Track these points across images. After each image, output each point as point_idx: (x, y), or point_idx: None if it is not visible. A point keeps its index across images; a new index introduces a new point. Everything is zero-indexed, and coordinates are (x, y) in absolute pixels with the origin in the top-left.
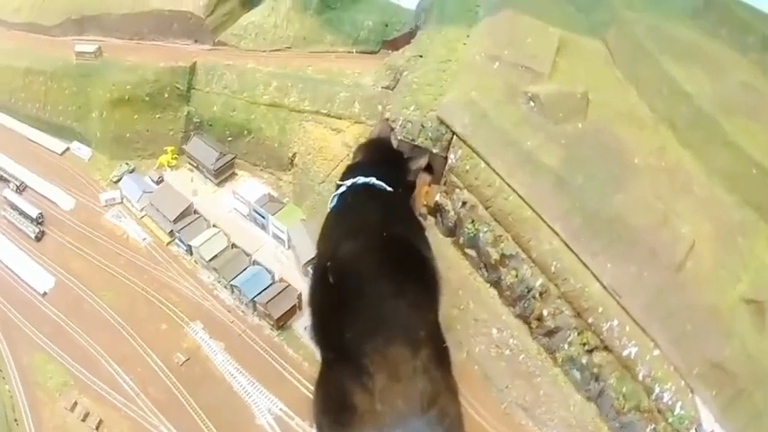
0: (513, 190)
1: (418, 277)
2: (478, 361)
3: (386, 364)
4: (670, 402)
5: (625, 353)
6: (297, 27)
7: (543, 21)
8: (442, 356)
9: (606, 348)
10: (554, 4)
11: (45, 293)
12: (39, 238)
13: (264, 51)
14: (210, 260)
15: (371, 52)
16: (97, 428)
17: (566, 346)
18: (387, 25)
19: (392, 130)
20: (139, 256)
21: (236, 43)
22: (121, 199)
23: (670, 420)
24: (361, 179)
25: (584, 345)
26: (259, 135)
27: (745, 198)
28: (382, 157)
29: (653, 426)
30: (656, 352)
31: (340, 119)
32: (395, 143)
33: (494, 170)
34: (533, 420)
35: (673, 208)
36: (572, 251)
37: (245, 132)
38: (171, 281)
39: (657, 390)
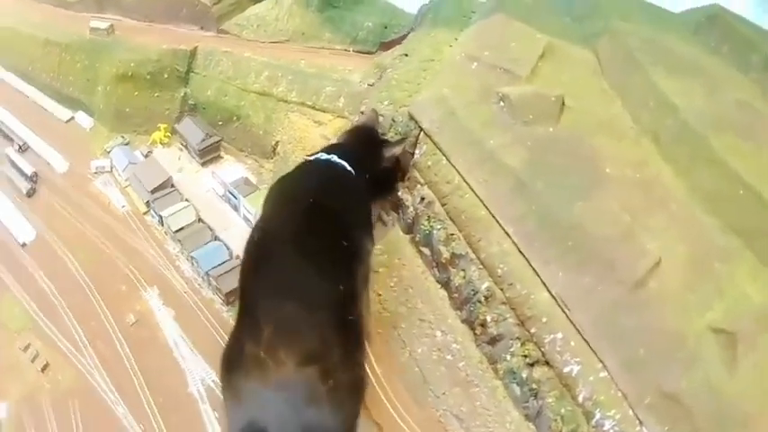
0: (471, 188)
1: (336, 248)
2: (419, 363)
3: (277, 318)
4: (611, 431)
5: (566, 369)
6: (297, 22)
7: (534, 27)
8: (345, 325)
9: (547, 363)
10: (549, 13)
11: (25, 244)
12: (30, 195)
13: (263, 42)
14: (176, 231)
15: (368, 53)
16: (42, 370)
17: (507, 357)
18: (386, 27)
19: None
20: (116, 222)
21: (237, 32)
22: (111, 168)
23: None
24: (323, 155)
25: (526, 357)
26: (246, 122)
27: (729, 222)
28: (357, 141)
29: None
30: (603, 374)
31: (324, 112)
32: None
33: (454, 167)
34: None
35: (642, 222)
36: (523, 256)
37: (234, 118)
38: (139, 247)
39: (598, 416)
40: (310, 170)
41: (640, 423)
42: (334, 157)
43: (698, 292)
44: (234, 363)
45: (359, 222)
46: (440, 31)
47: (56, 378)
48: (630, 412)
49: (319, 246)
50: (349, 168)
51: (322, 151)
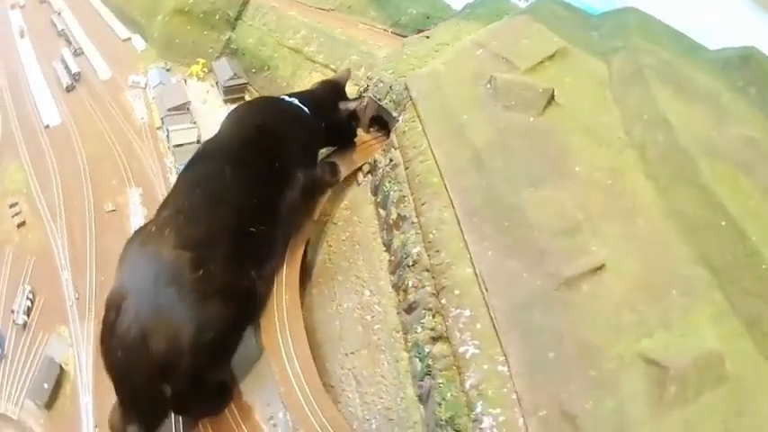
0: (433, 155)
1: (266, 168)
2: (341, 318)
3: (180, 205)
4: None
5: (461, 349)
6: None
7: (554, 32)
8: (244, 233)
9: (448, 341)
10: (578, 26)
11: (48, 126)
12: (68, 90)
13: (310, 6)
14: (175, 145)
15: (405, 36)
16: (18, 227)
17: (418, 329)
18: (428, 17)
19: (365, 88)
20: (131, 129)
21: None
22: (144, 85)
23: None
24: (285, 96)
25: (432, 330)
26: (275, 73)
27: (704, 253)
28: (322, 92)
29: None
30: (502, 368)
31: None
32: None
33: (425, 134)
34: (359, 398)
35: (596, 226)
36: (459, 227)
37: (266, 68)
38: (141, 153)
39: (479, 408)
40: (269, 102)
41: None
42: (295, 100)
43: (640, 314)
44: (132, 236)
45: (298, 155)
46: (468, 24)
47: (26, 235)
48: (520, 420)
49: (249, 160)
50: (306, 111)
51: (286, 95)
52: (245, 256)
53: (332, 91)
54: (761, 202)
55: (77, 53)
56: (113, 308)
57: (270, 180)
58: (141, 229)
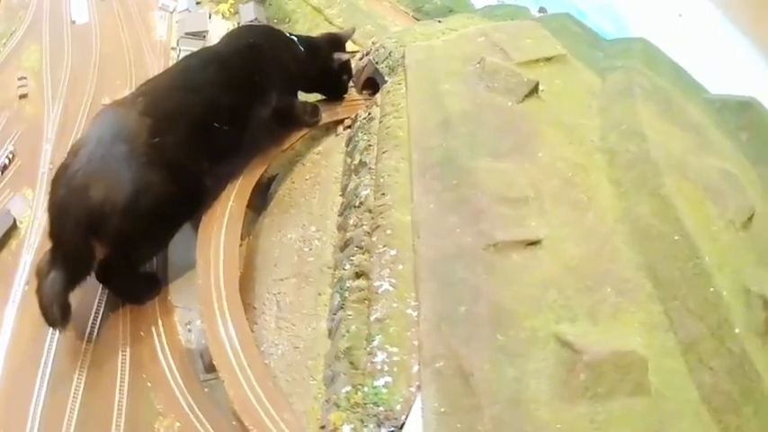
0: (407, 113)
1: (245, 78)
2: (281, 247)
3: (159, 82)
4: (380, 367)
5: (377, 284)
6: None
7: (559, 41)
8: (206, 125)
9: (367, 276)
10: (586, 43)
11: (74, 22)
12: None
13: None
14: None
15: None
16: (20, 98)
17: (346, 266)
18: (451, 11)
19: (368, 52)
20: (148, 43)
21: None
22: (173, 9)
23: (367, 390)
24: (287, 32)
25: (358, 266)
26: (293, 27)
27: (649, 263)
28: (322, 40)
29: (350, 387)
30: (412, 312)
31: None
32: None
33: (406, 95)
34: (275, 322)
35: (543, 206)
36: (410, 178)
37: (287, 20)
38: (150, 67)
39: (376, 342)
40: (269, 29)
41: (418, 387)
42: (295, 38)
43: (567, 297)
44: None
45: (279, 80)
46: (481, 20)
47: (25, 106)
48: (415, 367)
49: (233, 67)
50: (301, 49)
51: (290, 33)
52: (201, 146)
53: (331, 42)
54: (722, 230)
55: None
56: (71, 153)
57: (246, 90)
58: (122, 98)
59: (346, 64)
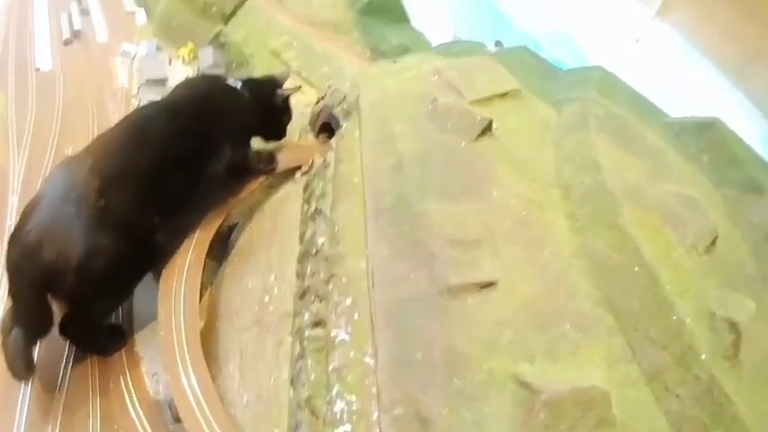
0: (361, 158)
1: (195, 132)
2: (242, 296)
3: (111, 137)
4: (339, 416)
5: (334, 333)
6: (336, 13)
7: (514, 76)
8: (158, 181)
9: (324, 325)
10: (542, 76)
11: (38, 69)
12: (66, 43)
13: (301, 17)
14: None
15: None
16: None
17: (306, 315)
18: (407, 50)
19: (323, 96)
20: (109, 91)
21: (286, 2)
22: (133, 56)
23: None
24: (230, 79)
25: (316, 315)
26: (252, 70)
27: (608, 296)
28: (261, 81)
29: None
30: (369, 360)
31: (311, 86)
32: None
33: (360, 140)
34: (239, 372)
35: (496, 246)
36: (365, 224)
37: (245, 64)
38: (112, 114)
39: (335, 391)
40: (214, 79)
41: (380, 429)
42: (239, 83)
43: (524, 338)
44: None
45: (231, 131)
46: (436, 58)
47: None
48: (375, 414)
49: (182, 117)
50: (246, 94)
51: (230, 77)
52: (151, 202)
53: (271, 82)
54: (683, 256)
55: (84, 12)
56: (27, 211)
57: (197, 143)
58: (75, 154)
59: (287, 103)
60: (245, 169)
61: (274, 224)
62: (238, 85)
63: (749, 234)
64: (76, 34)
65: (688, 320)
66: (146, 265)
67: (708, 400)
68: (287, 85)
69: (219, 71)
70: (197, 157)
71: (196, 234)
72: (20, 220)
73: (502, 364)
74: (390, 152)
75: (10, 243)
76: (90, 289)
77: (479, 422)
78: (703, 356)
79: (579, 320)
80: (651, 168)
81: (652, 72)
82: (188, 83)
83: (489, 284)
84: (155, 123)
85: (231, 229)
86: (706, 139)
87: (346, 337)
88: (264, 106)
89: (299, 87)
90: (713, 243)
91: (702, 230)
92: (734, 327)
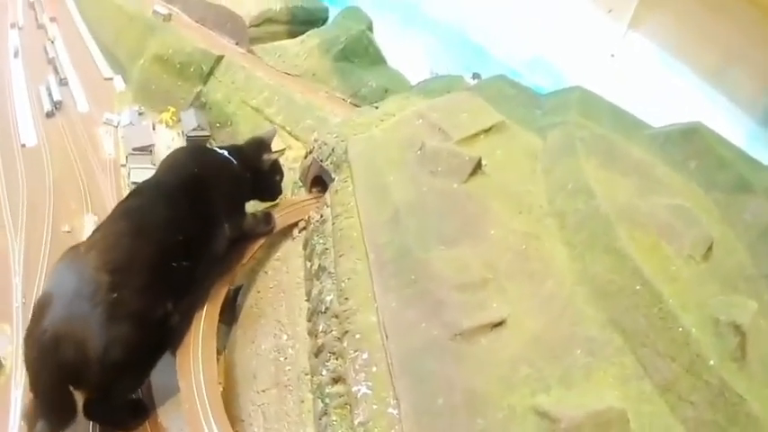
0: (357, 212)
1: (193, 209)
2: (258, 358)
3: (109, 230)
4: None
5: (355, 389)
6: (312, 63)
7: (496, 108)
8: (165, 267)
9: (344, 381)
10: (521, 104)
11: (24, 145)
12: (48, 116)
13: (278, 70)
14: (133, 183)
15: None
16: None
17: (323, 372)
18: (386, 91)
19: (311, 150)
20: (97, 162)
21: (261, 56)
22: (117, 124)
23: None
24: (216, 147)
25: (334, 372)
26: (236, 129)
27: (614, 317)
28: (248, 146)
29: None
30: (393, 411)
31: (297, 140)
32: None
33: (354, 193)
34: None
35: (501, 285)
36: (370, 278)
37: (229, 123)
38: (103, 186)
39: None
40: (201, 151)
41: None
42: (225, 152)
43: (538, 370)
44: (65, 252)
45: (226, 203)
46: (417, 98)
47: None
48: None
49: (179, 201)
50: (234, 162)
51: (217, 146)
52: (162, 288)
53: (258, 145)
54: (682, 267)
55: (62, 83)
56: (37, 311)
57: (196, 223)
58: (74, 247)
59: (276, 164)
60: (245, 233)
61: (279, 283)
62: (226, 153)
63: (744, 234)
64: (57, 105)
65: (693, 330)
66: (163, 346)
67: (721, 402)
68: (275, 141)
69: (204, 133)
70: (199, 239)
71: (206, 306)
72: (33, 318)
73: (520, 398)
74: (385, 203)
75: (27, 342)
76: (111, 378)
77: None
78: (712, 362)
79: (588, 345)
80: (640, 184)
81: (631, 84)
82: (176, 160)
83: (500, 323)
84: (153, 214)
85: (237, 291)
86: (691, 146)
87: (368, 391)
88: (254, 171)
89: (284, 150)
90: (710, 249)
91: (698, 239)
92: (738, 329)
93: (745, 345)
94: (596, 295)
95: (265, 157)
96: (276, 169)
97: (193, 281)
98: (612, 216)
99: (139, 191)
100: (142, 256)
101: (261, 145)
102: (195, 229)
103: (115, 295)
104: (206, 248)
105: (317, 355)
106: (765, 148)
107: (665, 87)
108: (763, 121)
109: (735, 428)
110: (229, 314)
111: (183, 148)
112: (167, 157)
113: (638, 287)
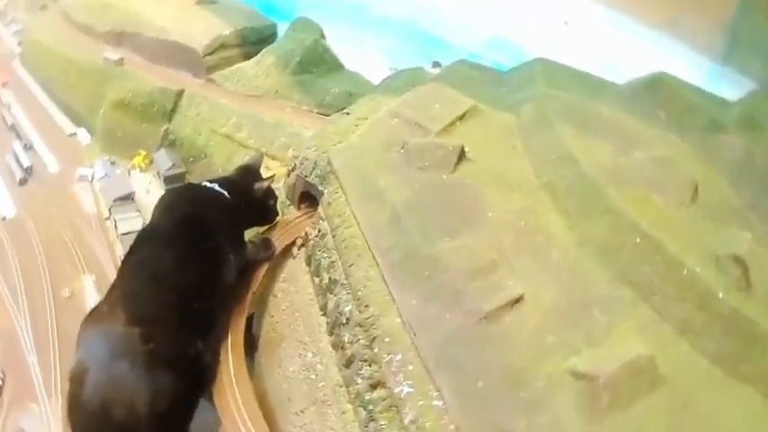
0: (356, 220)
1: (200, 249)
2: (288, 381)
3: (128, 286)
4: None
5: (397, 390)
6: (273, 81)
7: (464, 93)
8: (187, 308)
9: (384, 385)
10: (487, 84)
11: (4, 218)
12: (21, 183)
13: (240, 94)
14: (123, 234)
15: (329, 115)
16: None
17: (358, 380)
18: (351, 95)
19: (293, 167)
20: (81, 219)
21: (221, 83)
22: (91, 177)
23: None
24: (206, 182)
25: (370, 378)
26: (211, 160)
27: (621, 272)
28: (237, 175)
29: None
30: (438, 402)
31: (274, 159)
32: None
33: (348, 203)
34: None
35: (510, 263)
36: (384, 282)
37: (202, 155)
38: (92, 242)
39: None
40: (192, 189)
41: None
42: (216, 186)
43: (563, 335)
44: (87, 316)
45: (226, 236)
46: (385, 97)
47: None
48: None
49: (184, 244)
50: (226, 194)
51: (207, 180)
52: (190, 330)
53: (246, 173)
54: (674, 213)
55: (28, 147)
56: (76, 382)
57: (204, 260)
58: (95, 309)
59: (269, 190)
60: (249, 264)
61: (291, 304)
62: (217, 187)
63: (724, 170)
64: (28, 171)
65: (698, 269)
66: (203, 386)
67: (736, 330)
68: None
69: (180, 170)
70: (211, 275)
71: (229, 338)
72: (72, 390)
73: (555, 365)
74: (382, 207)
75: (72, 415)
76: (162, 428)
77: (554, 421)
78: (720, 295)
79: (603, 304)
80: (618, 143)
81: (589, 48)
82: (170, 204)
83: (518, 300)
84: (164, 261)
85: (250, 319)
86: (657, 95)
87: (410, 390)
88: (247, 201)
89: (274, 175)
90: (695, 191)
91: (682, 184)
92: (738, 260)
93: (747, 273)
94: (600, 255)
95: (257, 185)
96: (269, 194)
97: (215, 315)
98: (600, 178)
99: (142, 241)
100: (165, 303)
101: (250, 173)
102: (206, 266)
103: (150, 346)
104: (219, 283)
105: (347, 366)
106: (728, 85)
107: (622, 45)
108: (722, 60)
109: (754, 351)
110: (248, 343)
111: (173, 190)
112: (160, 201)
113: (637, 240)
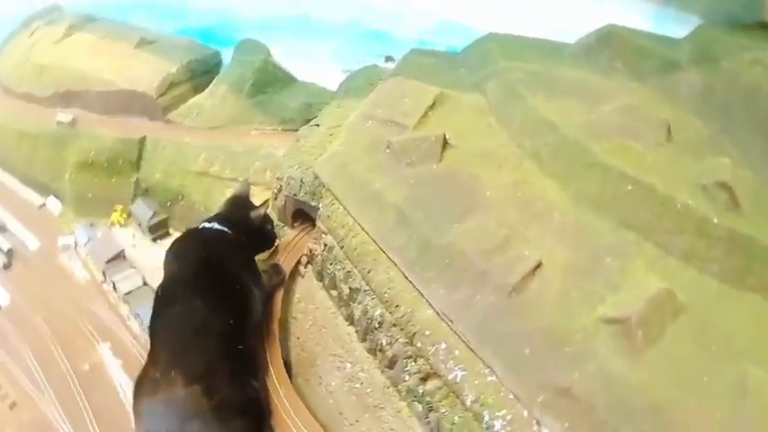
0: (361, 227)
1: (226, 290)
2: (334, 395)
3: (172, 346)
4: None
5: (451, 376)
6: (230, 108)
7: (426, 82)
8: (233, 352)
9: (436, 375)
10: (445, 69)
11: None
12: (6, 267)
13: (202, 128)
14: (126, 294)
15: (295, 130)
16: (10, 408)
17: (406, 377)
18: (311, 105)
19: (279, 189)
20: (78, 290)
21: (181, 121)
22: (74, 245)
23: None
24: (206, 224)
25: (419, 373)
26: (189, 200)
27: (620, 219)
28: (231, 208)
29: None
30: (491, 378)
31: (255, 185)
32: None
33: (348, 212)
34: None
35: (521, 234)
36: (407, 279)
37: (180, 197)
38: (96, 310)
39: (487, 417)
40: (196, 234)
41: (538, 423)
42: (215, 224)
43: (585, 289)
44: (138, 387)
45: (243, 269)
46: (349, 101)
47: (21, 416)
48: (525, 413)
49: (210, 289)
50: (227, 231)
51: (204, 221)
52: (243, 372)
53: (238, 205)
54: (655, 155)
55: (1, 230)
56: None
57: (234, 300)
58: (143, 378)
59: (265, 216)
60: (267, 292)
61: (314, 321)
62: (217, 225)
63: (689, 106)
64: (10, 254)
65: (690, 202)
66: (266, 422)
67: (736, 248)
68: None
69: (162, 217)
70: (244, 313)
71: (271, 370)
72: None
73: (586, 316)
74: (384, 208)
75: None
76: None
77: (602, 366)
78: (715, 220)
79: (612, 251)
80: (585, 100)
81: (536, 14)
82: (181, 254)
83: (538, 266)
84: (197, 313)
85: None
86: (611, 47)
87: (464, 372)
88: (247, 231)
89: (267, 201)
90: (669, 131)
91: (655, 126)
92: (724, 186)
93: (734, 195)
94: (597, 209)
95: (253, 215)
96: (266, 220)
97: (257, 353)
98: (579, 137)
99: (166, 298)
100: (215, 352)
101: (241, 204)
102: (238, 306)
103: (215, 399)
104: (252, 318)
105: (391, 367)
106: (673, 23)
107: (564, 6)
108: (664, 1)
109: (756, 263)
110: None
111: (178, 240)
112: (168, 254)
113: (629, 187)
